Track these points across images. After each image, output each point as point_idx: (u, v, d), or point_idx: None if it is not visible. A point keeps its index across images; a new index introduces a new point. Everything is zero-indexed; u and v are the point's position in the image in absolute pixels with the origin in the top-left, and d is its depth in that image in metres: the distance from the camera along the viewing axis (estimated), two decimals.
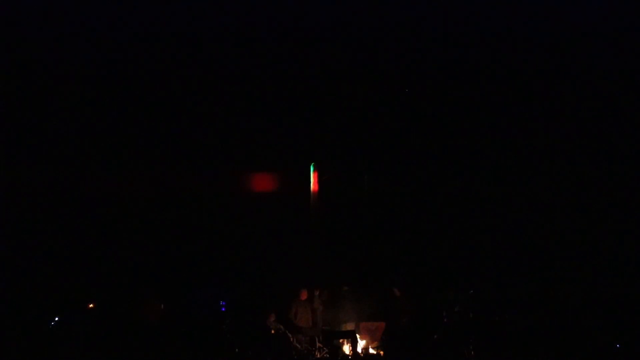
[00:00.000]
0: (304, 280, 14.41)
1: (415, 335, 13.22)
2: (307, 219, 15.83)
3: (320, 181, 15.98)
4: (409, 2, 16.25)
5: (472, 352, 12.31)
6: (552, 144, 16.62)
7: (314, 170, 15.99)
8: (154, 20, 16.16)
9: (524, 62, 16.48)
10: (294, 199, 16.09)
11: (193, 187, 16.40)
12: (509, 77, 16.55)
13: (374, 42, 16.51)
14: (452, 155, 16.76)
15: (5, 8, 15.74)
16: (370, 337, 13.66)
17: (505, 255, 15.78)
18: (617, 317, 13.14)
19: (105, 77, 16.38)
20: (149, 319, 13.51)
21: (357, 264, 15.43)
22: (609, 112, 16.55)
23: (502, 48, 16.35)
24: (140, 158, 16.50)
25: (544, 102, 16.70)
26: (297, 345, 13.36)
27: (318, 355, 13.29)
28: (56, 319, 13.59)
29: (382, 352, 13.37)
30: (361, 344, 13.58)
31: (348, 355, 13.44)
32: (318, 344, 13.52)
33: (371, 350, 13.53)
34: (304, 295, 14.05)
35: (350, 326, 13.84)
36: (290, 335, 13.37)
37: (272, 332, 13.38)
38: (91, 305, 14.26)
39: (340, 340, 13.69)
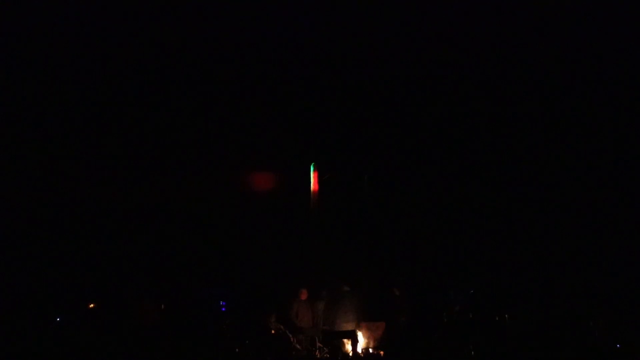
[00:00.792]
0: (304, 280, 14.41)
1: (415, 335, 13.22)
2: (307, 219, 15.82)
3: (320, 181, 15.96)
4: (409, 3, 16.28)
5: (472, 352, 12.30)
6: (552, 144, 16.64)
7: (314, 170, 15.98)
8: (156, 20, 16.19)
9: (524, 62, 16.51)
10: (294, 199, 16.10)
11: (193, 187, 16.41)
12: (509, 78, 16.57)
13: (374, 42, 16.53)
14: (452, 155, 16.78)
15: (5, 8, 15.75)
16: (370, 337, 13.66)
17: (505, 255, 15.78)
18: (617, 317, 13.13)
19: (105, 77, 16.41)
20: (149, 319, 13.52)
21: (357, 264, 15.42)
22: (609, 112, 16.56)
23: (502, 48, 16.38)
24: (140, 158, 16.52)
25: (544, 102, 16.72)
26: (297, 345, 13.36)
27: (318, 355, 13.27)
28: (57, 319, 13.59)
29: (382, 352, 13.36)
30: (361, 343, 13.59)
31: (348, 355, 13.44)
32: (318, 344, 13.50)
33: (371, 350, 13.53)
34: (304, 295, 14.04)
35: (350, 326, 13.83)
36: (290, 335, 13.39)
37: (273, 332, 13.36)
38: (91, 305, 14.25)
39: (341, 340, 13.70)
